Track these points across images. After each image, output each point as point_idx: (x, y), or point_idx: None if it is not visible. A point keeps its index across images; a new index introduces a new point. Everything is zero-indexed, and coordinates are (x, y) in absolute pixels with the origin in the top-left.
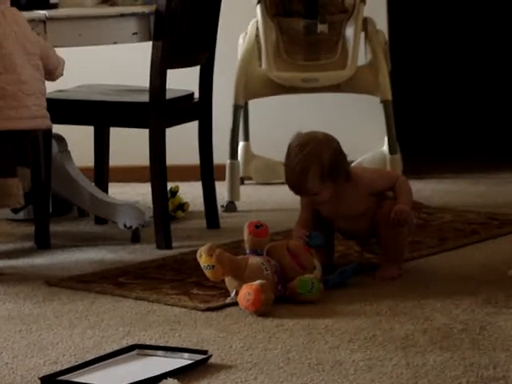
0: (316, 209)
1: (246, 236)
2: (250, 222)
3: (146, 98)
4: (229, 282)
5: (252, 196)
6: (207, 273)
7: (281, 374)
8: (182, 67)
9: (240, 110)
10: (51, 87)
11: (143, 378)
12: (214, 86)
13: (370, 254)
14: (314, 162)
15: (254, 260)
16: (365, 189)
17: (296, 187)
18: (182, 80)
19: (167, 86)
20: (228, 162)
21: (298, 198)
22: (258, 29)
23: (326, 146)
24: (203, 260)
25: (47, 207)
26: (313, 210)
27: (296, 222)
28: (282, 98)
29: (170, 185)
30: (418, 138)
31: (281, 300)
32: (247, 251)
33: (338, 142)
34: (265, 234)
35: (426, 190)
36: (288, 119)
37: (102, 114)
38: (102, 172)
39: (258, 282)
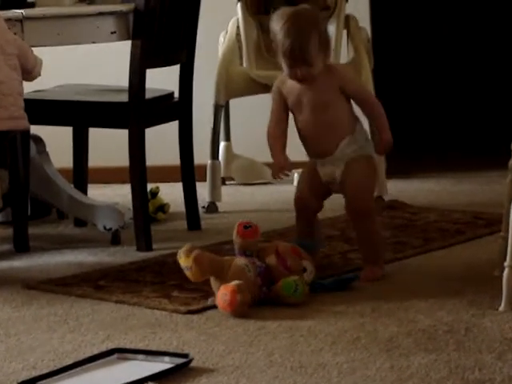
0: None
1: (234, 236)
2: (240, 222)
3: (125, 97)
4: (213, 282)
5: (233, 196)
6: (186, 274)
7: (263, 377)
8: (161, 66)
9: (221, 110)
10: (29, 87)
11: (124, 382)
12: (195, 86)
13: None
14: (314, 27)
15: (238, 261)
16: (336, 81)
17: (298, 52)
18: (162, 79)
19: (146, 86)
20: (209, 162)
21: (279, 195)
22: (238, 27)
23: (315, 14)
24: (182, 261)
25: (26, 209)
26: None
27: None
28: (263, 98)
29: (150, 186)
30: (402, 137)
31: (263, 302)
32: (236, 252)
33: (316, 10)
34: (253, 235)
35: (410, 189)
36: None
37: (81, 114)
38: (81, 173)
39: (234, 282)
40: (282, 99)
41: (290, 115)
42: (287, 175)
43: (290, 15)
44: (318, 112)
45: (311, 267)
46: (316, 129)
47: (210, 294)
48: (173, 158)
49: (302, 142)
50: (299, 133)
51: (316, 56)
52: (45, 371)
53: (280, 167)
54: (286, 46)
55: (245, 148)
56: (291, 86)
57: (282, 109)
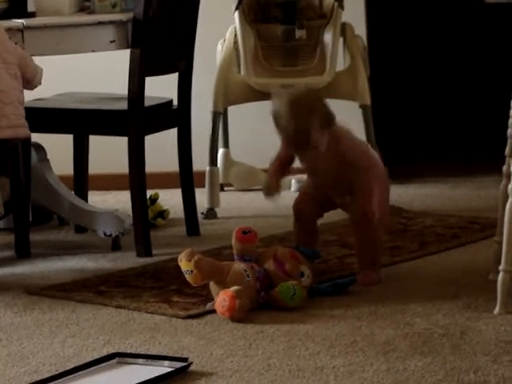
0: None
1: (233, 242)
2: (238, 228)
3: (124, 105)
4: (212, 287)
5: (232, 203)
6: (187, 277)
7: (261, 380)
8: (160, 74)
9: (219, 117)
10: (30, 96)
11: None
12: (193, 93)
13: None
14: (313, 113)
15: (237, 266)
16: (340, 149)
17: (300, 144)
18: (161, 87)
19: (146, 94)
20: (208, 168)
21: (277, 204)
22: (236, 35)
23: (315, 95)
24: (183, 265)
25: (27, 216)
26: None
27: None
28: (261, 105)
29: (149, 192)
30: (398, 143)
31: (261, 306)
32: (235, 257)
33: (318, 91)
34: (251, 240)
35: (406, 194)
36: (267, 126)
37: (81, 122)
38: (82, 180)
39: (233, 288)
40: (284, 164)
41: None
42: (277, 195)
43: (292, 101)
44: (324, 175)
45: (309, 272)
46: (325, 185)
47: (209, 298)
48: (172, 164)
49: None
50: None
51: (319, 137)
52: (46, 375)
53: (270, 189)
54: (289, 134)
55: (243, 154)
56: None
57: (288, 153)
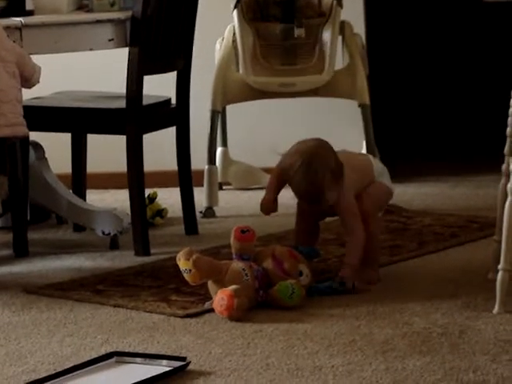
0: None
1: (231, 240)
2: (237, 227)
3: (122, 104)
4: (210, 286)
5: (230, 201)
6: (185, 276)
7: (260, 379)
8: (158, 73)
9: (218, 116)
10: (28, 94)
11: None
12: (192, 92)
13: None
14: (326, 171)
15: (235, 265)
16: (342, 200)
17: (316, 201)
18: (159, 86)
19: (144, 92)
20: (206, 167)
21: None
22: (234, 34)
23: (324, 151)
24: (181, 264)
25: (25, 215)
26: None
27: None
28: (259, 103)
29: (148, 191)
30: (398, 142)
31: (260, 305)
32: (233, 256)
33: (325, 141)
34: (250, 239)
35: (405, 193)
36: (266, 124)
37: (79, 120)
38: (80, 179)
39: (231, 287)
40: (280, 182)
41: None
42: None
43: (300, 165)
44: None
45: (307, 271)
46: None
47: (207, 297)
48: (170, 163)
49: None
50: None
51: (331, 192)
52: (44, 375)
53: (267, 205)
54: (302, 193)
55: (241, 153)
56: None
57: (279, 186)
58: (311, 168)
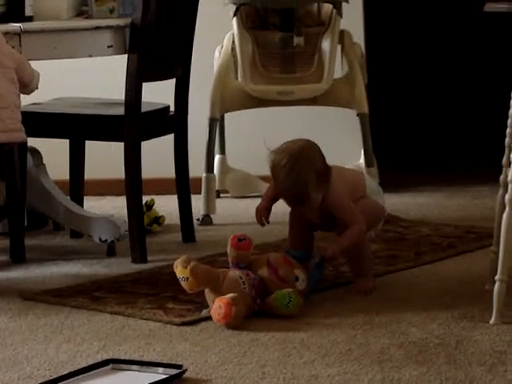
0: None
1: (228, 249)
2: (234, 236)
3: (121, 111)
4: (207, 294)
5: (228, 209)
6: (182, 284)
7: None
8: (157, 80)
9: (216, 123)
10: (26, 100)
11: None
12: (190, 99)
13: None
14: (310, 172)
15: (232, 273)
16: (325, 205)
17: (299, 201)
18: (158, 93)
19: (143, 99)
20: (204, 175)
21: (273, 208)
22: (233, 42)
23: (312, 152)
24: (178, 271)
25: (22, 221)
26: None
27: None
28: (258, 111)
29: (145, 198)
30: (395, 152)
31: (257, 314)
32: (230, 264)
33: (314, 143)
34: (247, 247)
35: (402, 203)
36: (264, 132)
37: (78, 127)
38: (78, 185)
39: (229, 295)
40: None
41: None
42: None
43: (284, 163)
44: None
45: (303, 276)
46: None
47: (204, 305)
48: (168, 170)
49: None
50: None
51: (315, 194)
52: (40, 381)
53: (260, 214)
54: (285, 192)
55: (239, 161)
56: None
57: (275, 195)
58: (295, 168)
